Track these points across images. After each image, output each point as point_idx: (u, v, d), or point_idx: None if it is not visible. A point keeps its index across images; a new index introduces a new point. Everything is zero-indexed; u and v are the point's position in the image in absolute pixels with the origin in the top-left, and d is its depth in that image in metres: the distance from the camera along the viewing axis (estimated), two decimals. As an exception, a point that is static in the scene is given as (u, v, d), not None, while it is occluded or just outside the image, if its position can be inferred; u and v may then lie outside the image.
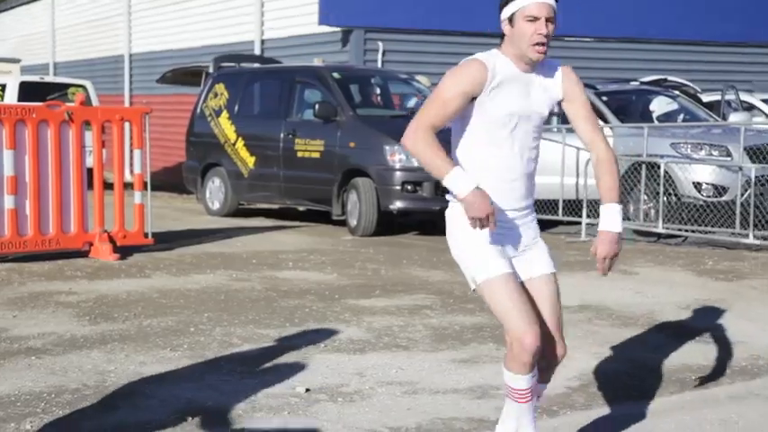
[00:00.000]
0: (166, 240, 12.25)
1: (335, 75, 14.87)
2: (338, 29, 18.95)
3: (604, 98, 15.17)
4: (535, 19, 4.01)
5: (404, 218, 13.35)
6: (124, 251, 11.35)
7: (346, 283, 9.79)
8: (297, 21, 19.98)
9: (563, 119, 15.17)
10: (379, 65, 18.35)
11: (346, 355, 6.95)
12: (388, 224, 13.25)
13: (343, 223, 13.71)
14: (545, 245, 4.39)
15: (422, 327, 7.87)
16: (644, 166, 13.55)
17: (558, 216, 14.52)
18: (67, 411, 5.68)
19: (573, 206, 14.35)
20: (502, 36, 4.17)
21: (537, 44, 4.02)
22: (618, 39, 20.69)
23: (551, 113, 4.64)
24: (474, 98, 4.11)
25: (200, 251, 11.96)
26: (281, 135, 14.68)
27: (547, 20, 4.01)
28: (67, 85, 20.87)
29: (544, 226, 14.48)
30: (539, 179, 13.90)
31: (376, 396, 5.97)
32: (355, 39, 18.82)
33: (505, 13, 4.12)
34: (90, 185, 11.30)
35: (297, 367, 6.63)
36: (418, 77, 15.77)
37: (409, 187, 12.98)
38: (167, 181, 17.19)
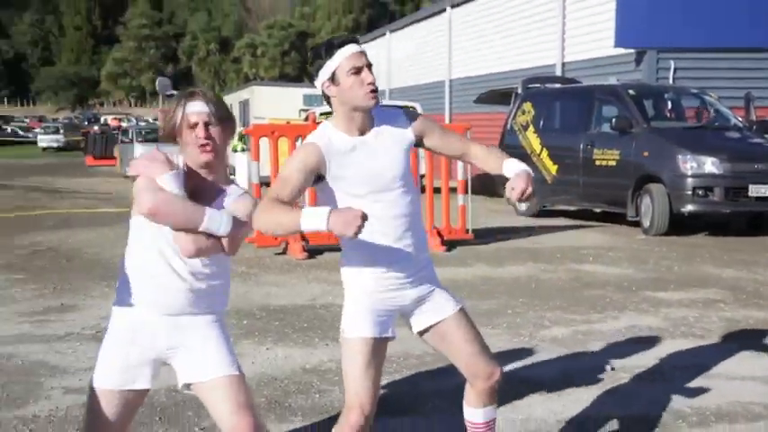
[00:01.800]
0: (483, 236, 12.39)
1: (631, 92, 14.62)
2: (632, 50, 18.61)
3: None
4: (358, 70, 3.62)
5: (693, 220, 12.92)
6: (449, 244, 11.60)
7: (642, 276, 9.58)
8: (594, 45, 19.76)
9: None
10: (671, 82, 17.85)
11: (646, 342, 6.83)
12: (679, 225, 12.86)
13: (635, 224, 13.40)
14: (442, 287, 3.91)
15: (716, 318, 7.59)
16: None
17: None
18: (413, 372, 5.96)
19: None
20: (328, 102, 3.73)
21: (370, 92, 3.61)
22: None
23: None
24: (322, 176, 3.69)
25: (511, 245, 12.02)
26: (581, 146, 14.55)
27: (368, 66, 3.62)
28: (402, 107, 21.46)
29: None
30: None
31: (675, 379, 5.84)
32: (648, 59, 18.42)
33: (324, 75, 3.70)
34: (422, 189, 11.61)
35: (602, 349, 6.59)
36: (707, 94, 15.25)
37: (700, 192, 12.57)
38: (481, 185, 17.38)
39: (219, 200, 3.50)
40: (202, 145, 3.43)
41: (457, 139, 4.03)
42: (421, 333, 3.93)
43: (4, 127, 62.98)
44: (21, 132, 61.53)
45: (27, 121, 69.15)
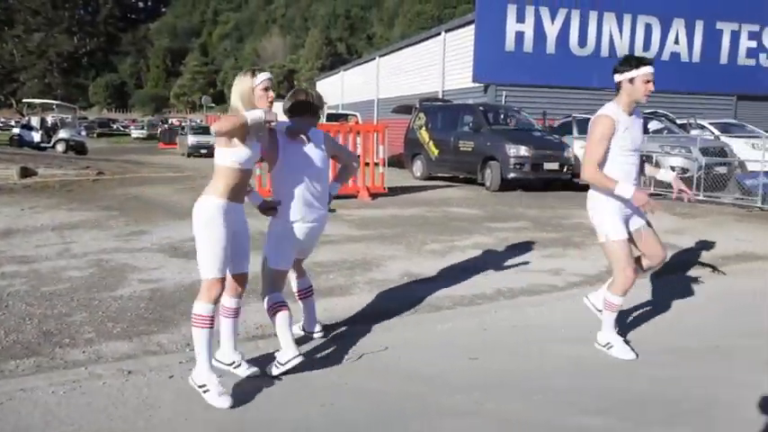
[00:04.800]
0: (394, 191, 12.31)
1: (481, 108, 14.64)
2: (482, 84, 18.62)
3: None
4: (649, 81, 3.67)
5: (514, 182, 13.04)
6: (374, 196, 11.51)
7: (483, 214, 9.64)
8: (460, 80, 19.75)
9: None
10: (503, 103, 17.93)
11: (488, 250, 6.85)
12: (506, 185, 12.97)
13: (482, 185, 13.50)
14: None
15: (524, 237, 7.68)
16: (643, 157, 12.76)
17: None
18: (347, 274, 5.81)
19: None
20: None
21: (646, 95, 3.70)
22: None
23: None
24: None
25: (410, 197, 11.98)
26: (452, 139, 14.55)
27: (653, 81, 3.70)
28: (347, 115, 21.23)
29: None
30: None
31: (499, 270, 5.87)
32: (491, 90, 18.43)
33: (628, 75, 3.66)
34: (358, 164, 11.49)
35: (463, 255, 6.58)
36: (522, 111, 15.34)
37: (518, 166, 12.69)
38: (394, 161, 17.29)
39: None
40: None
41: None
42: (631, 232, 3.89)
43: (112, 125, 61.28)
44: (121, 128, 59.77)
45: (126, 121, 67.17)
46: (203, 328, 3.15)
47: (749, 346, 4.18)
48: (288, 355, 3.43)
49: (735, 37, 20.50)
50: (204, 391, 3.16)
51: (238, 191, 3.27)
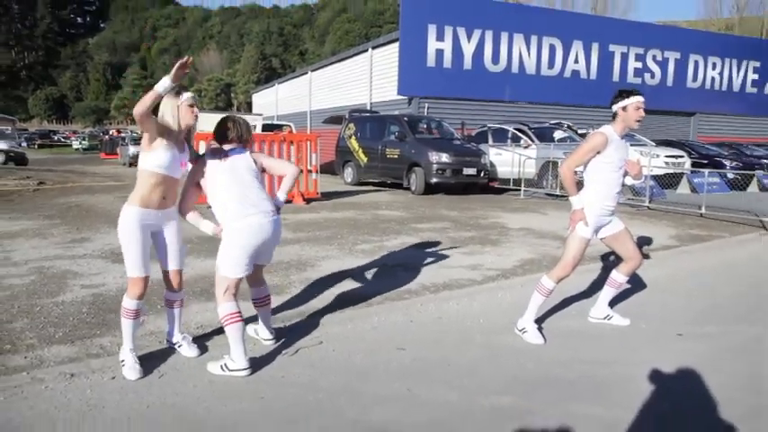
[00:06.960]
0: (327, 196, 12.28)
1: (405, 118, 14.76)
2: (406, 97, 18.77)
3: (533, 130, 14.85)
4: (640, 108, 3.88)
5: (437, 186, 13.22)
6: (308, 201, 11.43)
7: (409, 216, 9.73)
8: (387, 92, 19.85)
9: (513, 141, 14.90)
10: (426, 114, 18.13)
11: (414, 249, 6.92)
12: (430, 189, 13.14)
13: (408, 189, 13.63)
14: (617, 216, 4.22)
15: (446, 236, 7.78)
16: (550, 163, 13.22)
17: (510, 186, 14.21)
18: (283, 274, 5.75)
19: (516, 182, 14.04)
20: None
21: (637, 121, 3.90)
22: (540, 102, 20.16)
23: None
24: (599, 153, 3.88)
25: (342, 201, 11.94)
26: (379, 147, 14.63)
27: (644, 109, 3.94)
28: (282, 125, 20.92)
29: (502, 191, 14.54)
30: (505, 168, 13.29)
31: (422, 269, 5.93)
32: (414, 102, 18.62)
33: (623, 103, 3.88)
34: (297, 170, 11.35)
35: (391, 254, 6.61)
36: (443, 122, 15.57)
37: (440, 171, 12.89)
38: (326, 169, 17.22)
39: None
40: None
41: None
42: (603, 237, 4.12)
43: (53, 136, 58.24)
44: (62, 139, 56.86)
45: (66, 132, 64.03)
46: (127, 319, 3.40)
47: (642, 329, 4.41)
48: (237, 365, 3.38)
49: (624, 58, 21.58)
50: (123, 365, 3.39)
51: (159, 197, 3.33)
